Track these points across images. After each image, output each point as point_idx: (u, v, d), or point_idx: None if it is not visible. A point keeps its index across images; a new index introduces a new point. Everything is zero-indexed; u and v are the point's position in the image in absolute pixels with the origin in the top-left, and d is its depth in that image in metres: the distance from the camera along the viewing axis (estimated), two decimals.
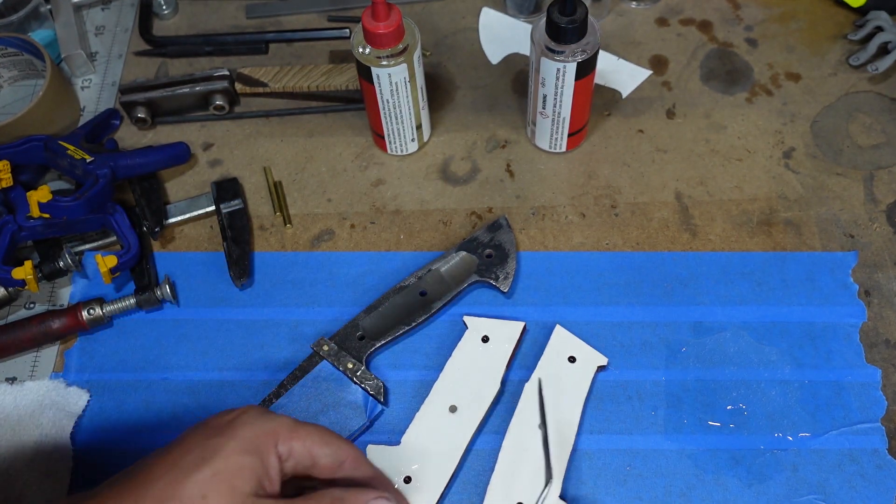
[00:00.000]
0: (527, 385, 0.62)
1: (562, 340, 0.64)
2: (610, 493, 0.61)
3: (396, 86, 0.68)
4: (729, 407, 0.64)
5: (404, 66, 0.67)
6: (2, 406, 0.64)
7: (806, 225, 0.71)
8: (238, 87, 0.79)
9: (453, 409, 0.62)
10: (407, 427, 0.62)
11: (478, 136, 0.78)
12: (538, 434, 0.60)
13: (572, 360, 0.63)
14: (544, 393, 0.61)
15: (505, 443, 0.60)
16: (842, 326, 0.66)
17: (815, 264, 0.69)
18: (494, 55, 0.82)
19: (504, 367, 0.64)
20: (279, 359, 0.67)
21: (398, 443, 0.61)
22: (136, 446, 0.63)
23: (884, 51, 0.79)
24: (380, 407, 0.64)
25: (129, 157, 0.72)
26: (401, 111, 0.71)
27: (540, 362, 0.63)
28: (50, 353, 0.68)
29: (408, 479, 0.59)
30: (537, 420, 0.60)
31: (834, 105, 0.78)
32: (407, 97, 0.70)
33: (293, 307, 0.69)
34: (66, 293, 0.71)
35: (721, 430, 0.63)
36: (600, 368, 0.64)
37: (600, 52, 0.75)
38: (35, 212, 0.67)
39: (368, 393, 0.63)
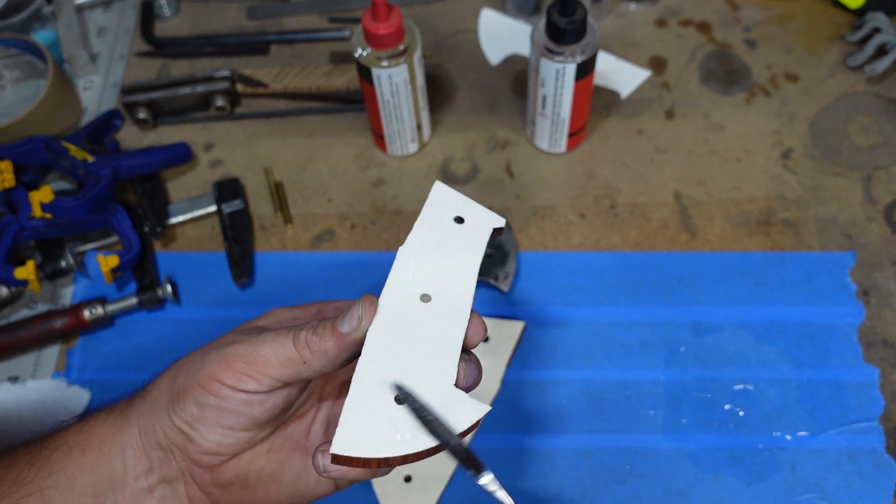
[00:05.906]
0: (400, 250, 0.47)
1: (444, 198, 0.49)
2: (609, 492, 0.61)
3: (397, 87, 0.69)
4: (727, 406, 0.64)
5: (404, 67, 0.67)
6: (4, 405, 0.65)
7: (804, 225, 0.72)
8: (239, 87, 0.79)
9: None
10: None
11: (478, 136, 0.78)
12: (420, 307, 0.46)
13: (460, 220, 0.49)
14: (427, 259, 0.47)
15: (376, 321, 0.45)
16: (840, 326, 0.67)
17: (814, 264, 0.69)
18: (494, 56, 0.83)
19: (504, 366, 0.65)
20: None
21: None
22: None
23: (881, 52, 0.79)
24: None
25: (130, 157, 0.73)
26: (401, 112, 0.71)
27: (417, 223, 0.48)
28: (52, 353, 0.68)
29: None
30: (418, 290, 0.46)
31: (832, 106, 0.78)
32: (407, 98, 0.70)
33: None
34: (68, 293, 0.71)
35: (720, 429, 0.63)
36: (496, 232, 0.49)
37: (600, 52, 0.75)
38: (37, 212, 0.68)
39: None
